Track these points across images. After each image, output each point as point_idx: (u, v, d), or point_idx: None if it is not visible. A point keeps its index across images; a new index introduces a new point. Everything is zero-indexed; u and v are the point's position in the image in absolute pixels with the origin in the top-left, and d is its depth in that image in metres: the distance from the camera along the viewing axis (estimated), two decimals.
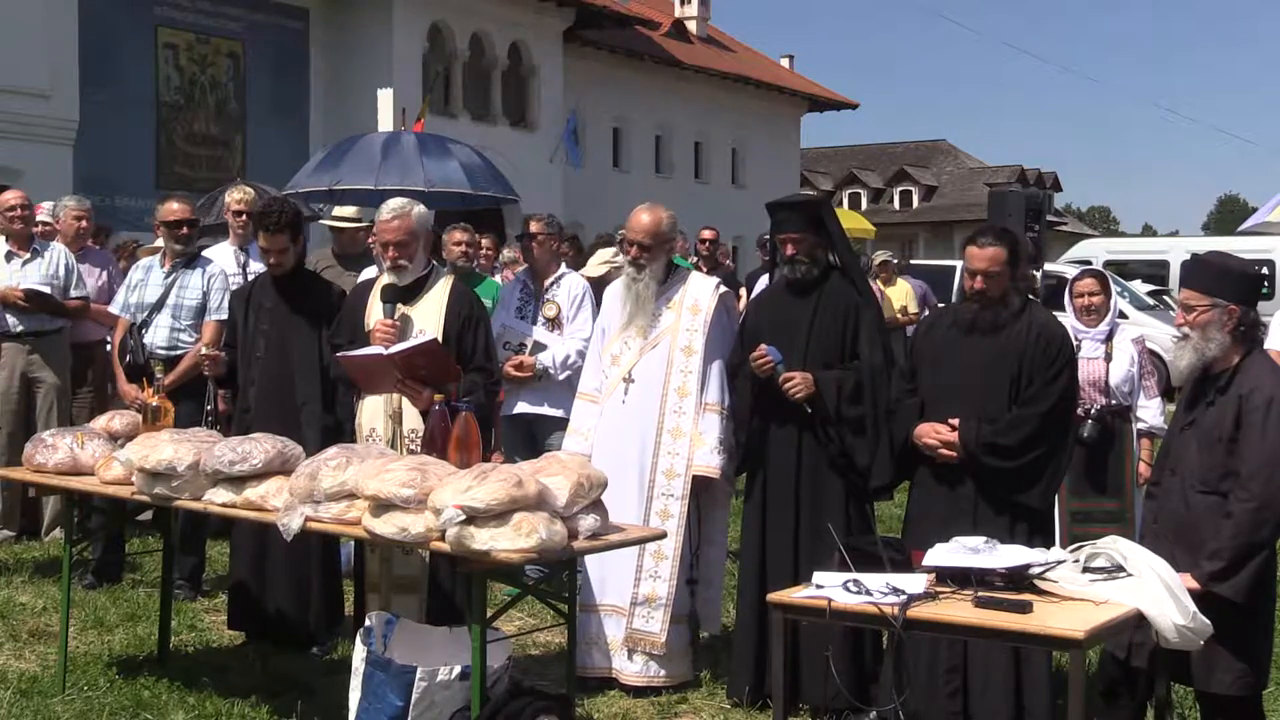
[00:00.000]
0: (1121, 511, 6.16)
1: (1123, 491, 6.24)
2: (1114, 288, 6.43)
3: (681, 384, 5.46)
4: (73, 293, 7.84)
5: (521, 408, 6.91)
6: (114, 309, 7.09)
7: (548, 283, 7.05)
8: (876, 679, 4.95)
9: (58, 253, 7.87)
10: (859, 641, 5.09)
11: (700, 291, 5.55)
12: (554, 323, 6.92)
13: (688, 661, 5.55)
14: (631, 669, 5.45)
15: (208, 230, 8.78)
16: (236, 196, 7.81)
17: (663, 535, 5.14)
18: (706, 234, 12.92)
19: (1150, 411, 6.30)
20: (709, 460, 5.40)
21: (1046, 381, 4.64)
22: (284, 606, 5.90)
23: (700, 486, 5.46)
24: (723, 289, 5.62)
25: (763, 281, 10.23)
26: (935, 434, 4.71)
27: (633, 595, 5.44)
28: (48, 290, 7.70)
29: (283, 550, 5.66)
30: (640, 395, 5.51)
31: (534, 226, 7.07)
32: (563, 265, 7.28)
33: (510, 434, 7.03)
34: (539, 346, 6.86)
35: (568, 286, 7.01)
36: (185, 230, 6.80)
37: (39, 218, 8.88)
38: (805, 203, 5.25)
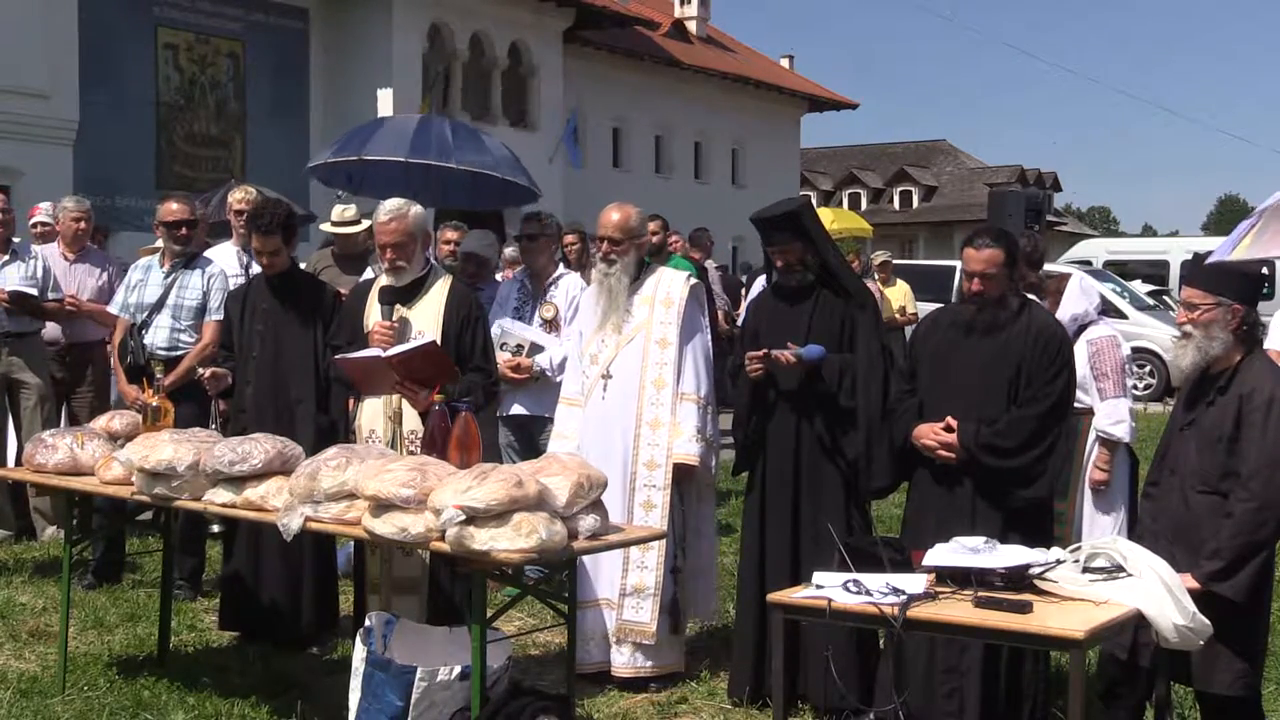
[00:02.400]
0: (1060, 514, 5.50)
1: (1064, 495, 5.57)
2: (1074, 287, 5.94)
3: (658, 376, 5.51)
4: (50, 295, 7.82)
5: (518, 409, 6.91)
6: (113, 309, 7.05)
7: (546, 284, 7.04)
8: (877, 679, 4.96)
9: (36, 255, 7.85)
10: (860, 641, 5.10)
11: (672, 285, 5.63)
12: (552, 324, 6.92)
13: (676, 651, 5.56)
14: (619, 660, 5.48)
15: (214, 229, 8.77)
16: (239, 196, 7.77)
17: (662, 535, 5.17)
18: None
19: (1099, 415, 5.74)
20: (688, 449, 5.45)
21: (1045, 382, 4.63)
22: (277, 606, 5.90)
23: (682, 475, 5.49)
24: (693, 280, 5.69)
25: (761, 281, 10.26)
26: (934, 435, 4.71)
27: (621, 587, 5.47)
28: (33, 292, 7.69)
29: (277, 550, 5.67)
30: (619, 390, 5.56)
31: (532, 228, 7.06)
32: (560, 266, 7.27)
33: (508, 435, 7.02)
34: (536, 348, 6.85)
35: (566, 287, 6.99)
36: (184, 231, 6.77)
37: (38, 218, 8.89)
38: (786, 215, 5.28)
